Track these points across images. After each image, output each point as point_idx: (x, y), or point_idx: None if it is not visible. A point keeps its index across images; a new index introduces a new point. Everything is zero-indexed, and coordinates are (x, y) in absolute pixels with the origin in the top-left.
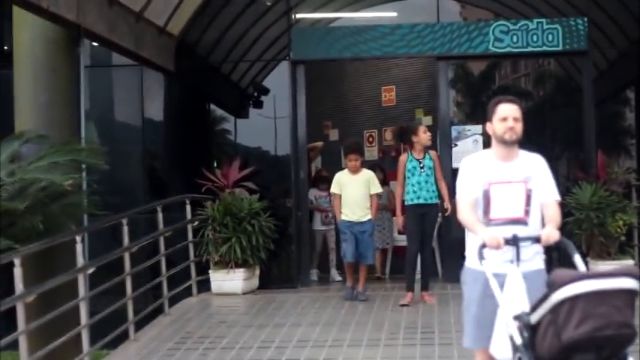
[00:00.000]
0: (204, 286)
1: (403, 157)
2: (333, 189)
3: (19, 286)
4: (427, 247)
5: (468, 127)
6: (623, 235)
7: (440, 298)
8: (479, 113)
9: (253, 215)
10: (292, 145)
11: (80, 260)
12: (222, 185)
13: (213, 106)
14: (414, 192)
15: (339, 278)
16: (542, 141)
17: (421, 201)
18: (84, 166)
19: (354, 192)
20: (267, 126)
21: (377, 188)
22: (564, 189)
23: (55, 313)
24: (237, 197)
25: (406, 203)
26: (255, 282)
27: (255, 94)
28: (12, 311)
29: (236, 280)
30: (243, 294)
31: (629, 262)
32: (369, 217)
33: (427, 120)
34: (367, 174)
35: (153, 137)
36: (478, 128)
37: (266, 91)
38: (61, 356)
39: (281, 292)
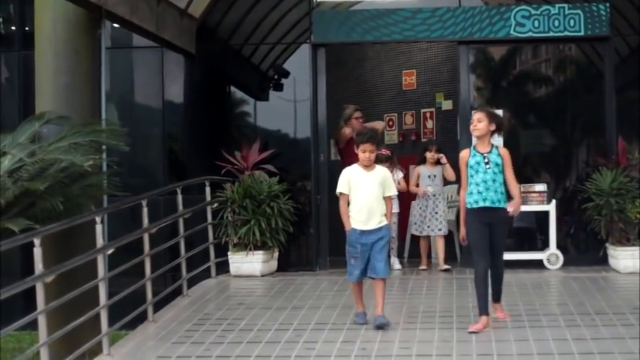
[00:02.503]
0: (223, 268)
1: (464, 153)
2: (341, 188)
3: (38, 266)
4: (497, 262)
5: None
6: None
7: (458, 282)
8: (499, 98)
9: (272, 198)
10: (312, 128)
11: (100, 241)
12: (241, 167)
13: (233, 89)
14: (479, 193)
15: (398, 266)
16: (562, 127)
17: (487, 204)
18: (104, 147)
19: (368, 192)
20: (288, 109)
21: (392, 189)
22: (584, 174)
23: (74, 294)
24: (257, 180)
25: (467, 206)
26: (273, 264)
27: (276, 76)
28: (31, 291)
29: (255, 262)
30: (262, 276)
31: None
32: (384, 222)
33: (447, 104)
34: (382, 171)
35: (173, 119)
36: (499, 113)
37: (286, 74)
38: (80, 336)
39: (299, 275)
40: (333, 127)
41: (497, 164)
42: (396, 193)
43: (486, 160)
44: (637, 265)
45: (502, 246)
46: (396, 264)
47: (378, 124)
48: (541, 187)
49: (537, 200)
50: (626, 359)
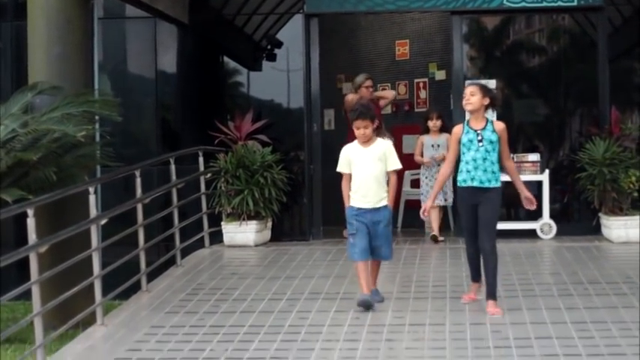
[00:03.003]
0: (217, 238)
1: (458, 129)
2: (341, 167)
3: (32, 236)
4: (485, 243)
5: (482, 81)
6: (636, 191)
7: (452, 252)
8: (492, 68)
9: (266, 168)
10: (305, 97)
11: (93, 211)
12: (235, 137)
13: (226, 59)
14: (467, 172)
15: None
16: (555, 97)
17: (475, 184)
18: (97, 117)
19: (366, 169)
20: (281, 79)
21: (395, 163)
22: (578, 144)
23: (68, 264)
24: (250, 150)
25: (457, 185)
26: (267, 234)
27: (269, 46)
28: (25, 261)
29: (248, 232)
30: (255, 246)
31: None
32: (385, 202)
33: (440, 74)
34: (382, 145)
35: (166, 89)
36: (492, 83)
37: (279, 44)
38: (74, 306)
39: (293, 245)
40: (326, 97)
41: (490, 141)
42: (400, 166)
43: (479, 138)
44: (629, 235)
45: (489, 227)
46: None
47: (389, 93)
48: (534, 156)
49: (530, 170)
50: (619, 328)
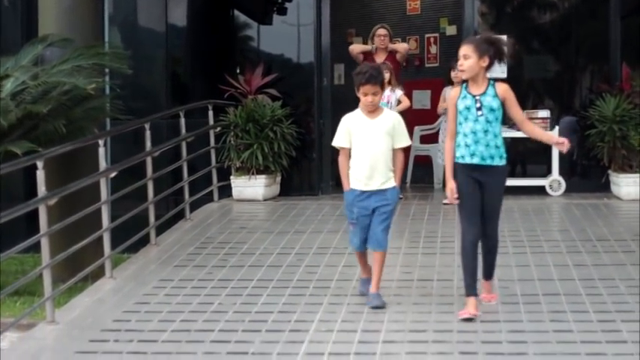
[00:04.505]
0: (226, 192)
1: (454, 91)
2: (339, 140)
3: (41, 188)
4: (490, 231)
5: (481, 36)
6: None
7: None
8: (503, 24)
9: (275, 122)
10: (315, 52)
11: (102, 164)
12: (245, 91)
13: (237, 12)
14: (466, 146)
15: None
16: (566, 53)
17: (476, 160)
18: (107, 70)
19: (371, 144)
20: (291, 33)
21: (405, 139)
22: (588, 101)
23: (77, 217)
24: (260, 104)
25: (456, 160)
26: (276, 189)
27: (280, 0)
28: (34, 214)
29: (257, 186)
30: (264, 200)
31: None
32: (392, 183)
33: (451, 29)
34: (391, 117)
35: (176, 42)
36: (496, 37)
37: None
38: (82, 259)
39: (302, 200)
40: (337, 51)
41: (492, 109)
42: (410, 142)
43: (478, 105)
44: (639, 192)
45: (496, 215)
46: None
47: (400, 46)
48: (544, 113)
49: (541, 126)
50: (627, 285)
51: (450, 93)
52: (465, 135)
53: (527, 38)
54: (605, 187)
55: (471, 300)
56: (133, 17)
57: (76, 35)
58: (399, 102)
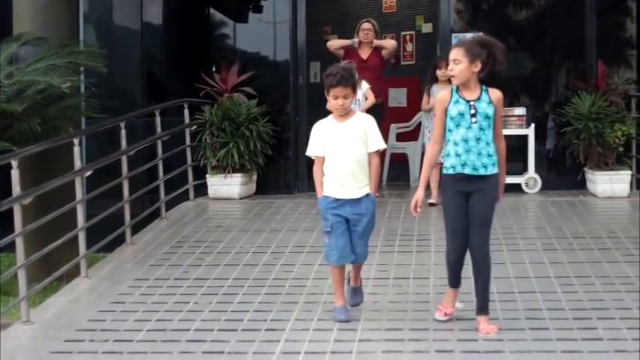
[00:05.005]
0: (201, 190)
1: (444, 95)
2: (312, 149)
3: (16, 188)
4: (478, 242)
5: (468, 34)
6: (621, 146)
7: (438, 206)
8: (479, 21)
9: (251, 120)
10: (291, 50)
11: (77, 163)
12: (220, 90)
13: (212, 10)
14: (457, 155)
15: None
16: (542, 50)
17: (467, 171)
18: (82, 68)
19: (344, 150)
20: (267, 31)
21: (379, 142)
22: (564, 98)
23: (52, 216)
24: (236, 102)
25: (444, 171)
26: (252, 187)
27: None
28: (9, 213)
29: (233, 184)
30: (240, 199)
31: (626, 173)
32: (366, 189)
33: (427, 27)
34: (363, 120)
35: (151, 41)
36: (487, 39)
37: None
38: (58, 259)
39: (278, 198)
40: (312, 49)
41: (486, 116)
42: (385, 146)
43: (473, 112)
44: (614, 190)
45: (486, 225)
46: None
47: (388, 43)
48: (520, 110)
49: (516, 124)
50: (602, 282)
51: (437, 93)
52: (456, 143)
53: (502, 36)
54: (581, 185)
55: (450, 293)
56: (108, 16)
57: (50, 34)
58: (365, 97)
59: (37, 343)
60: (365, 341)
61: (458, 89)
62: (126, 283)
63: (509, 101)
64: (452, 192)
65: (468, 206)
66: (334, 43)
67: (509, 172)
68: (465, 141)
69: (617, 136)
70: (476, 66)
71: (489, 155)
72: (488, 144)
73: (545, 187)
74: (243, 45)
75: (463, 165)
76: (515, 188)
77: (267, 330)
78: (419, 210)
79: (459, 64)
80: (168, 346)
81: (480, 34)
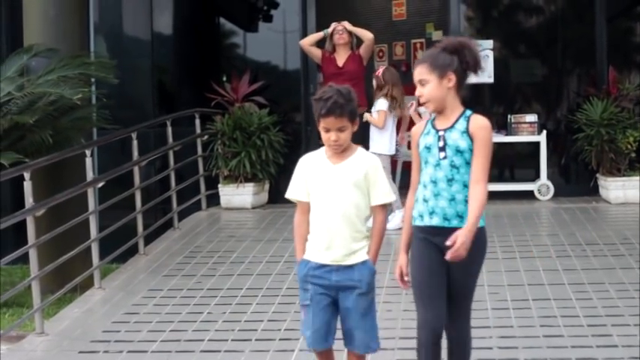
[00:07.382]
0: (214, 200)
1: (418, 127)
2: (292, 191)
3: (28, 199)
4: (459, 311)
5: (478, 41)
6: (634, 152)
7: None
8: (490, 28)
9: (263, 130)
10: (302, 59)
11: (90, 174)
12: (231, 99)
13: (222, 20)
14: (424, 200)
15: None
16: (553, 57)
17: (435, 222)
18: (93, 79)
19: (332, 200)
20: (277, 40)
21: (384, 194)
22: (575, 105)
23: (65, 227)
24: (247, 111)
25: (412, 222)
26: (264, 197)
27: (265, 7)
28: (22, 225)
29: (245, 194)
30: (253, 208)
31: (639, 179)
32: (362, 255)
33: (438, 35)
34: (363, 162)
35: (162, 51)
36: (489, 43)
37: (276, 5)
38: (71, 270)
39: (290, 207)
40: None
41: (458, 150)
42: (393, 198)
43: (441, 144)
44: (627, 196)
45: (468, 292)
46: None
47: (365, 35)
48: (532, 117)
49: (528, 131)
50: (617, 289)
51: (413, 130)
52: (424, 186)
53: (513, 42)
54: (593, 191)
55: None
56: (118, 26)
57: (61, 45)
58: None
59: (52, 355)
60: (380, 349)
61: (434, 118)
62: (139, 293)
63: (521, 108)
64: (421, 247)
65: (445, 268)
66: (306, 40)
67: (522, 180)
68: (434, 182)
69: (629, 142)
70: (449, 80)
71: (464, 201)
72: (464, 187)
73: (558, 193)
74: (254, 54)
75: (431, 214)
76: (528, 195)
77: (281, 340)
78: (406, 279)
79: (425, 84)
80: (183, 356)
81: (443, 37)
